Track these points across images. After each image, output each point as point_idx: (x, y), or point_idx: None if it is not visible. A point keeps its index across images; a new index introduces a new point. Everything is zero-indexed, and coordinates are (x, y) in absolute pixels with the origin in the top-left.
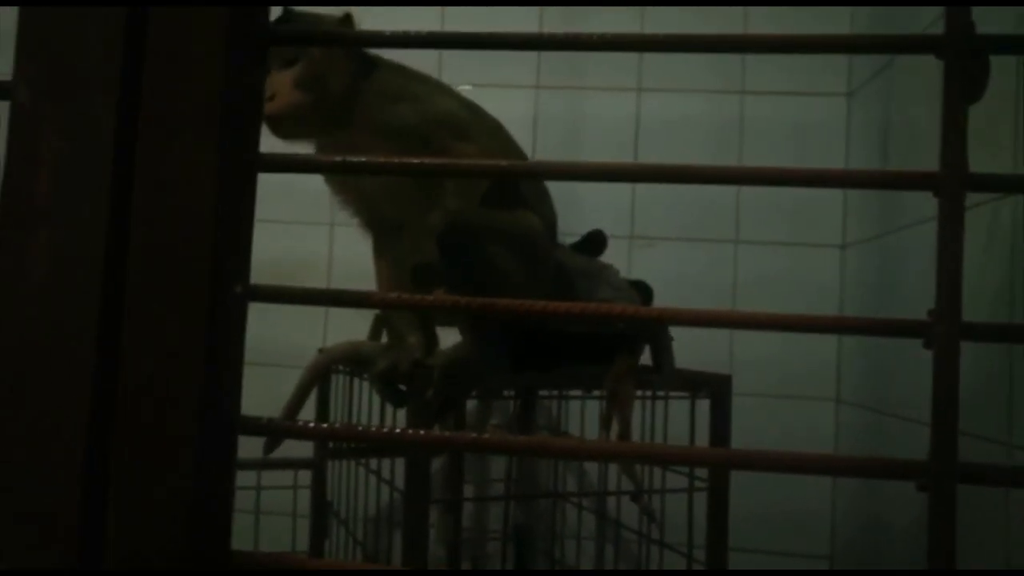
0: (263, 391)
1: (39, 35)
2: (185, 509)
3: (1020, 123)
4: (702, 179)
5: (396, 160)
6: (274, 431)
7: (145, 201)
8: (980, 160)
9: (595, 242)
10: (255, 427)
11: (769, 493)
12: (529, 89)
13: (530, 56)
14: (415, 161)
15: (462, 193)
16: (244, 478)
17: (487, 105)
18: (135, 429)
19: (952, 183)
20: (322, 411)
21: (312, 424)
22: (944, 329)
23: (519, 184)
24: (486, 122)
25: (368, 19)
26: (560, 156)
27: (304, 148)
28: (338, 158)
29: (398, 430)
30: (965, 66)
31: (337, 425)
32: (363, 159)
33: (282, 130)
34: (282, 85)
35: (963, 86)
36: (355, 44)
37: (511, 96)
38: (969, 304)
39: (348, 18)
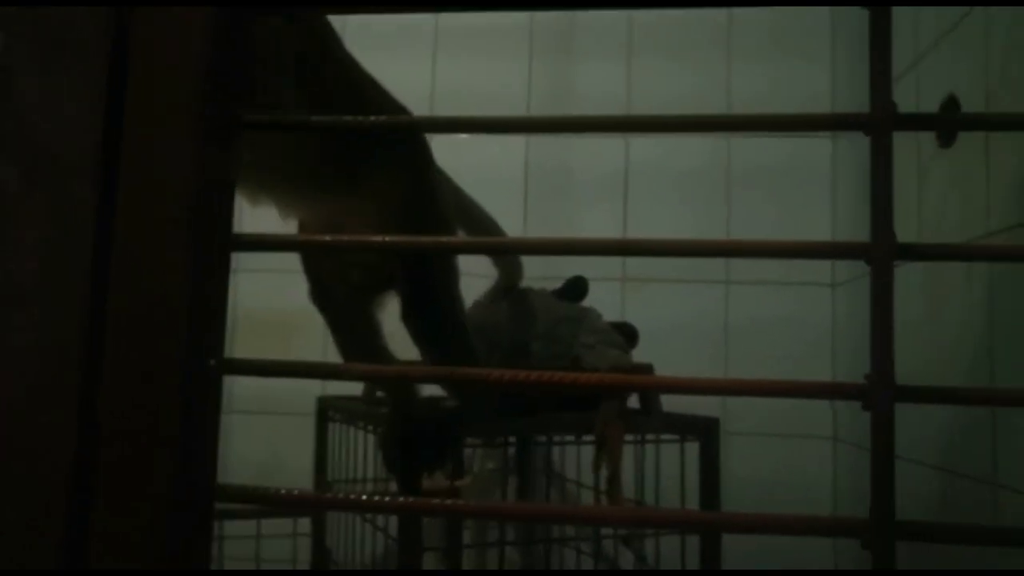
0: (260, 438)
1: (23, 121)
2: None
3: (989, 172)
4: (673, 252)
5: (365, 238)
6: (251, 498)
7: (122, 280)
8: (953, 204)
9: (576, 287)
10: (232, 495)
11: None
12: (520, 135)
13: (520, 101)
14: (382, 239)
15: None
16: (244, 527)
17: (479, 153)
18: (112, 501)
19: (882, 253)
20: (320, 459)
21: (294, 491)
22: (880, 393)
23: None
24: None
25: (364, 21)
26: (550, 201)
27: None
28: (305, 237)
29: (386, 498)
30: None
31: (331, 491)
32: (329, 237)
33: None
34: None
35: (941, 134)
36: (334, 130)
37: (502, 142)
38: (950, 359)
39: None
